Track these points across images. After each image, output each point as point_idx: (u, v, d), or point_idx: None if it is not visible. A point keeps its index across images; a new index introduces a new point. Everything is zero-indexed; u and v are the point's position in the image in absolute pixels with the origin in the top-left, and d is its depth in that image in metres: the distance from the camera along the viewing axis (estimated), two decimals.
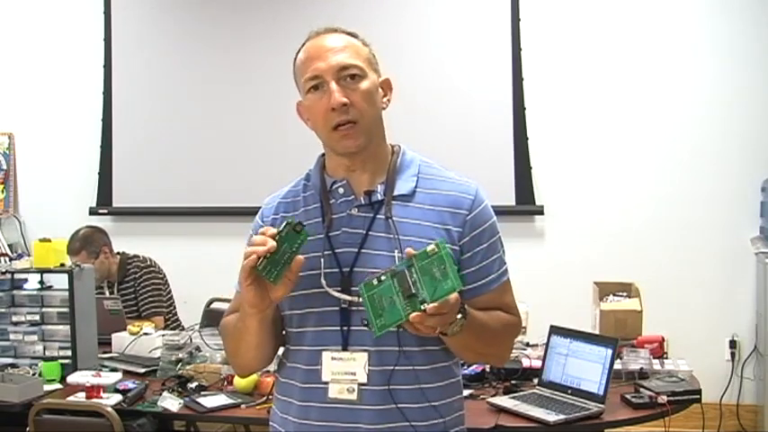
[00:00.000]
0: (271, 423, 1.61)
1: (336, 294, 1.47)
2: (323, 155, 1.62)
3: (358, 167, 1.55)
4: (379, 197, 1.53)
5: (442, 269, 1.32)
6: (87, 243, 3.92)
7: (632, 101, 4.49)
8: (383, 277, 1.35)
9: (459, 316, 1.37)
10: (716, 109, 4.39)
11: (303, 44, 1.58)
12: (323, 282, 1.48)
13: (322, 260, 1.50)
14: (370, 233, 1.50)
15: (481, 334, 1.47)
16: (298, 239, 1.39)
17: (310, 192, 1.59)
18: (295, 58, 1.59)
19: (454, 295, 1.32)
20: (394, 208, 1.51)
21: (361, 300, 1.38)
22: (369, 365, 1.47)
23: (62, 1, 5.26)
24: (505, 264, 1.58)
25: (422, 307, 1.30)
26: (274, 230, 1.39)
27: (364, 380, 1.47)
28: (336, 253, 1.51)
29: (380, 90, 1.56)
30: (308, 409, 1.50)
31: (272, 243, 1.37)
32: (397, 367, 1.47)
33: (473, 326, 1.42)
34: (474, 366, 2.79)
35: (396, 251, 1.46)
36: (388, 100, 1.58)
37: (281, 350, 1.62)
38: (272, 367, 1.66)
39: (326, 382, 1.49)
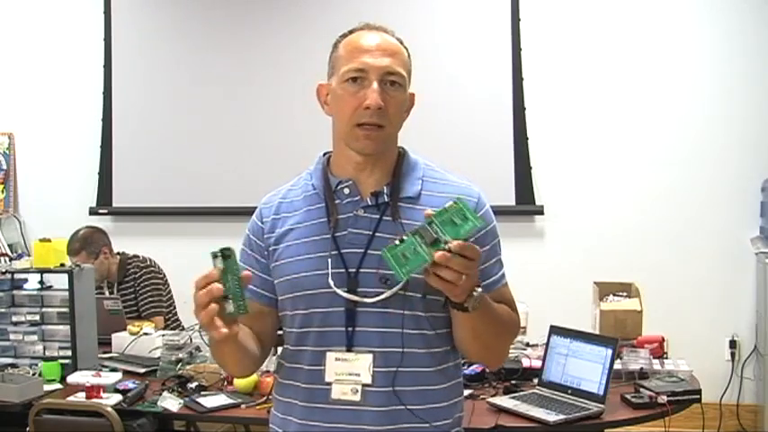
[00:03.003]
0: (270, 425, 1.60)
1: (345, 295, 1.46)
2: (324, 154, 1.62)
3: (368, 168, 1.54)
4: (386, 199, 1.53)
5: (462, 215, 1.34)
6: (87, 243, 3.92)
7: (632, 101, 4.49)
8: (405, 237, 1.34)
9: (479, 290, 1.38)
10: (716, 109, 4.39)
11: (352, 31, 1.56)
12: (331, 282, 1.47)
13: (329, 260, 1.49)
14: (377, 234, 1.50)
15: (492, 319, 1.47)
16: (232, 260, 1.36)
17: (313, 191, 1.58)
18: (337, 42, 1.57)
19: (475, 246, 1.33)
20: (401, 210, 1.52)
21: (369, 302, 1.38)
22: (373, 366, 1.46)
23: (62, 1, 5.26)
24: (503, 265, 1.59)
25: (446, 247, 1.31)
26: (215, 273, 1.34)
27: (368, 381, 1.46)
28: (342, 253, 1.50)
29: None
30: (311, 410, 1.50)
31: (217, 287, 1.32)
32: (401, 368, 1.47)
33: (487, 306, 1.42)
34: (474, 366, 2.79)
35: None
36: (407, 114, 1.58)
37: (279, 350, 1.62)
38: (273, 367, 1.66)
39: (329, 383, 1.48)
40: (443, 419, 1.52)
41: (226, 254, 1.35)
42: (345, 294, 1.46)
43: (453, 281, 1.31)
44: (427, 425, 1.49)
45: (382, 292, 1.46)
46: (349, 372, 1.47)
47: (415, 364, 1.48)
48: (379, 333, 1.46)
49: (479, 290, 1.38)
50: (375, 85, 1.48)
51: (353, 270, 1.49)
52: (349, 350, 1.48)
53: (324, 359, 1.49)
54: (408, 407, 1.47)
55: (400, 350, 1.46)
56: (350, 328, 1.48)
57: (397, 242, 1.34)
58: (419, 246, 1.32)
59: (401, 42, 1.57)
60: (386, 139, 1.52)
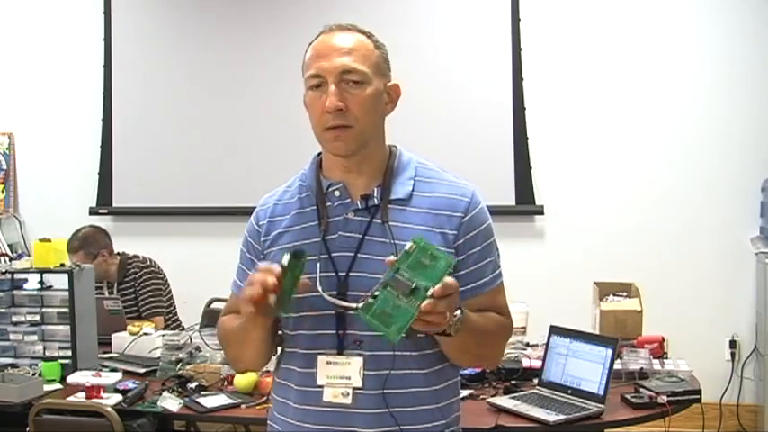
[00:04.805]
0: (269, 422, 1.61)
1: (332, 300, 1.46)
2: (318, 154, 1.61)
3: (354, 169, 1.54)
4: (376, 201, 1.52)
5: (429, 255, 1.32)
6: (86, 244, 3.91)
7: (632, 101, 4.49)
8: (376, 293, 1.32)
9: (459, 312, 1.37)
10: (716, 109, 4.39)
11: (316, 38, 1.55)
12: (318, 287, 1.46)
13: (318, 264, 1.48)
14: (367, 237, 1.50)
15: (477, 334, 1.46)
16: (299, 264, 1.37)
17: (306, 194, 1.58)
18: (305, 51, 1.56)
19: (452, 279, 1.31)
20: (391, 212, 1.51)
21: (359, 309, 1.38)
22: (364, 370, 1.46)
23: (62, 1, 5.26)
24: (499, 267, 1.57)
25: (427, 293, 1.29)
26: (278, 269, 1.34)
27: (359, 384, 1.46)
28: (332, 257, 1.50)
29: (386, 95, 1.54)
30: (304, 411, 1.50)
31: (272, 281, 1.33)
32: (392, 371, 1.46)
33: (470, 325, 1.41)
34: (473, 367, 2.78)
35: (392, 256, 1.44)
36: (393, 106, 1.56)
37: (278, 350, 1.62)
38: (272, 367, 1.66)
39: (321, 386, 1.48)
40: (436, 420, 1.51)
41: (296, 255, 1.36)
42: (332, 299, 1.45)
43: (440, 322, 1.32)
44: (419, 426, 1.48)
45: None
46: (340, 375, 1.47)
47: (406, 367, 1.48)
48: (370, 336, 1.46)
49: (458, 312, 1.38)
50: (332, 87, 1.47)
51: (343, 274, 1.48)
52: (340, 353, 1.48)
53: (315, 362, 1.49)
54: (399, 409, 1.46)
55: (391, 353, 1.46)
56: (340, 332, 1.48)
57: (371, 300, 1.32)
58: (397, 299, 1.31)
59: (369, 35, 1.55)
60: (357, 138, 1.49)
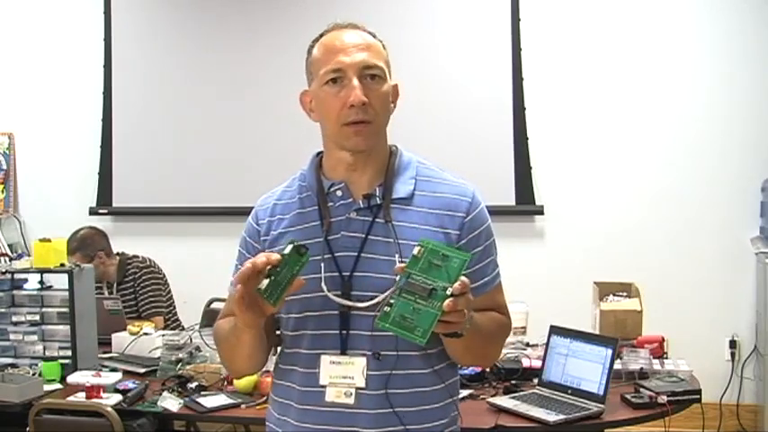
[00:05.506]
0: (267, 423, 1.61)
1: (337, 300, 1.46)
2: (317, 154, 1.61)
3: (359, 167, 1.53)
4: (378, 201, 1.52)
5: (440, 255, 1.31)
6: (83, 245, 3.90)
7: (632, 101, 4.49)
8: (392, 300, 1.31)
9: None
10: (716, 109, 4.39)
11: (322, 34, 1.56)
12: (323, 286, 1.47)
13: (322, 264, 1.49)
14: (370, 237, 1.50)
15: (482, 334, 1.46)
16: (300, 261, 1.35)
17: (306, 194, 1.57)
18: (310, 48, 1.56)
19: (465, 278, 1.31)
20: (393, 211, 1.51)
21: (362, 306, 1.37)
22: (367, 370, 1.46)
23: (62, 1, 5.26)
24: (498, 266, 1.58)
25: (448, 293, 1.28)
26: (278, 256, 1.34)
27: (362, 384, 1.46)
28: (336, 257, 1.50)
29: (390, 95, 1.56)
30: (306, 412, 1.50)
31: (276, 256, 1.33)
32: (395, 371, 1.46)
33: (476, 324, 1.42)
34: (473, 366, 2.78)
35: (396, 255, 1.45)
36: (395, 106, 1.57)
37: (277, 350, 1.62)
38: (271, 367, 1.66)
39: (324, 386, 1.48)
40: (438, 420, 1.51)
41: (299, 251, 1.35)
42: (337, 299, 1.46)
43: (461, 320, 1.31)
44: (421, 426, 1.48)
45: (376, 296, 1.45)
46: (343, 375, 1.47)
47: (409, 367, 1.48)
48: (373, 336, 1.46)
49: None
50: (355, 81, 1.47)
51: (347, 274, 1.48)
52: (343, 353, 1.48)
53: (318, 362, 1.49)
54: (402, 409, 1.46)
55: (394, 353, 1.46)
56: (344, 332, 1.48)
57: (387, 309, 1.31)
58: (415, 303, 1.29)
59: (374, 36, 1.56)
60: (377, 133, 1.51)
